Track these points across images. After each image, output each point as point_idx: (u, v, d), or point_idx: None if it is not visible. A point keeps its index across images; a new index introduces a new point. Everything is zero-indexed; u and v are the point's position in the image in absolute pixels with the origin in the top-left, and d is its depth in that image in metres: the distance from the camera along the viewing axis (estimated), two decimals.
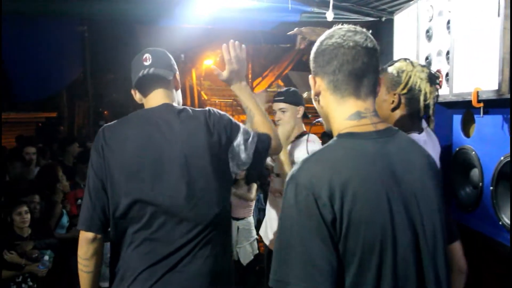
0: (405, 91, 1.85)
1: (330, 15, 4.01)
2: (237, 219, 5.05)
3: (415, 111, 1.89)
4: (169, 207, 1.74)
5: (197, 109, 1.93)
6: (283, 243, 1.12)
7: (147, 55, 1.93)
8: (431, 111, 1.84)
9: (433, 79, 1.84)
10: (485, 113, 2.44)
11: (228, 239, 1.97)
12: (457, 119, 2.80)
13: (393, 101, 1.87)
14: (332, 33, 1.27)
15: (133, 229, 1.78)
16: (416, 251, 1.15)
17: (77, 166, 4.85)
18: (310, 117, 4.30)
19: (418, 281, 1.14)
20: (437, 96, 1.86)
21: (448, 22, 2.95)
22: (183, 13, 4.16)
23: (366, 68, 1.23)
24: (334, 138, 1.24)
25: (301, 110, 3.05)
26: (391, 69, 1.93)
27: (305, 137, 2.91)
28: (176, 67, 2.02)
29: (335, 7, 5.44)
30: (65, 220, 4.21)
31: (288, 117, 3.00)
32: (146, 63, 1.91)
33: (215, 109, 1.93)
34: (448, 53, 2.81)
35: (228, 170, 1.88)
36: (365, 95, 1.25)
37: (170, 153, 1.78)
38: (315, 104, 1.36)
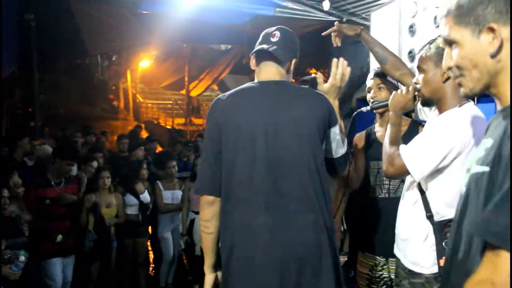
0: None
1: (326, 5, 4.06)
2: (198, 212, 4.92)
3: None
4: None
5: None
6: None
7: (276, 32, 2.05)
8: None
9: None
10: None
11: None
12: None
13: (444, 73, 1.93)
14: None
15: None
16: None
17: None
18: None
19: None
20: None
21: (435, 17, 3.08)
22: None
23: None
24: None
25: None
26: (434, 45, 2.01)
27: None
28: (297, 53, 2.12)
29: (301, 3, 5.56)
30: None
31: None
32: (273, 39, 2.04)
33: None
34: None
35: None
36: None
37: None
38: (475, 60, 1.17)
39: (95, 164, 4.69)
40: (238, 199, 1.91)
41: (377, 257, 2.70)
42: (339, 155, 2.13)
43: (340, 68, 2.19)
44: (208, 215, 1.98)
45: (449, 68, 1.26)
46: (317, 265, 1.88)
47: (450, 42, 1.23)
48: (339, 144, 2.12)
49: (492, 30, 1.12)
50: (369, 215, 2.78)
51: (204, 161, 2.01)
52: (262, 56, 2.05)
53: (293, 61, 2.09)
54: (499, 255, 0.97)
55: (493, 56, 1.13)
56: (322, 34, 2.55)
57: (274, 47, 2.01)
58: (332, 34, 2.55)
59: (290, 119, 1.95)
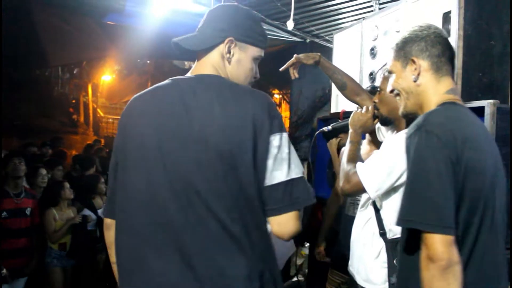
0: None
1: (290, 24, 4.14)
2: None
3: None
4: None
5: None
6: (416, 184, 1.34)
7: (204, 17, 1.55)
8: None
9: None
10: None
11: None
12: None
13: None
14: (426, 25, 1.55)
15: None
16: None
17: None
18: None
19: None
20: None
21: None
22: (133, 11, 3.98)
23: (454, 56, 1.56)
24: (440, 105, 1.48)
25: None
26: None
27: None
28: (232, 30, 1.50)
29: (265, 22, 5.65)
30: None
31: None
32: (200, 27, 1.55)
33: None
34: None
35: None
36: (453, 77, 1.56)
37: None
38: (403, 84, 1.58)
39: (43, 172, 4.52)
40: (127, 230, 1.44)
41: (343, 275, 2.74)
42: None
43: None
44: (107, 241, 1.59)
45: (391, 91, 1.67)
46: None
47: (389, 72, 1.66)
48: None
49: (413, 61, 1.53)
50: (342, 232, 2.82)
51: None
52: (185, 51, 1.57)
53: (226, 40, 1.49)
54: (425, 237, 1.30)
55: (415, 80, 1.54)
56: (280, 69, 2.52)
57: (197, 32, 1.54)
58: (290, 67, 2.53)
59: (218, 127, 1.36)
